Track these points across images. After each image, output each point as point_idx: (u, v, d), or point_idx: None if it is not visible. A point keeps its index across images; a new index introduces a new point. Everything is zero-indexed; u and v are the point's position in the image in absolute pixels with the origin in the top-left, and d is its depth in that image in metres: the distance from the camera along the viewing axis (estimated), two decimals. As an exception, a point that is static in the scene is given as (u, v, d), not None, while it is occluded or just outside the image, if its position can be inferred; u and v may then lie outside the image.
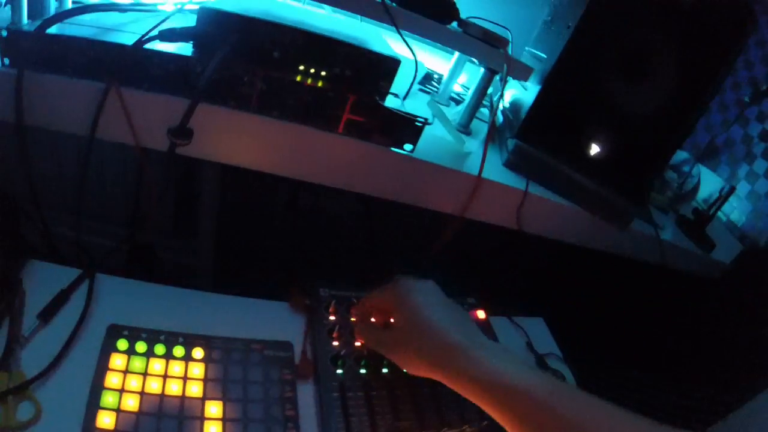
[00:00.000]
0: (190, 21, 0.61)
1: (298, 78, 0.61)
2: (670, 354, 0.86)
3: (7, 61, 0.54)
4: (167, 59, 0.57)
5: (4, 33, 0.53)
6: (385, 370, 0.64)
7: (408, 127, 0.62)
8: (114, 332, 0.60)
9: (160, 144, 0.60)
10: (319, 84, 0.61)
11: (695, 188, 0.98)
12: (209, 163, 0.75)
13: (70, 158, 0.68)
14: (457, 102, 0.81)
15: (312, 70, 0.61)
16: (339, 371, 0.62)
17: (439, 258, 0.66)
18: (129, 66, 0.56)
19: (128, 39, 0.58)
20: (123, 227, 0.79)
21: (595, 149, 0.71)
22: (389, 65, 0.62)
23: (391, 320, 0.63)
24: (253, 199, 0.83)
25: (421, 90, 0.80)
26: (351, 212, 0.85)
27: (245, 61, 0.58)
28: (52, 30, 0.58)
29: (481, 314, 0.72)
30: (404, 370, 0.63)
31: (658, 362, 0.83)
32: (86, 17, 0.62)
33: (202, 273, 0.86)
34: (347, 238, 0.86)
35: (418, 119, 0.62)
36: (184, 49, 0.61)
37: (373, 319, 0.66)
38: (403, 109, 0.63)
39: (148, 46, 0.57)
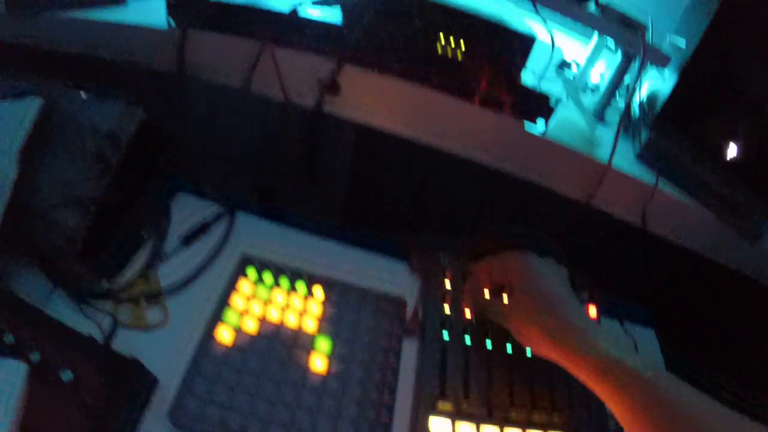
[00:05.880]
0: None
1: (439, 48, 0.64)
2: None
3: (173, 22, 0.62)
4: (318, 25, 0.62)
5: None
6: (489, 346, 0.64)
7: (541, 104, 0.63)
8: (246, 261, 0.66)
9: (304, 99, 0.65)
10: (458, 55, 0.64)
11: None
12: (345, 129, 0.80)
13: (222, 108, 0.75)
14: (594, 92, 0.80)
15: (452, 42, 0.63)
16: (445, 336, 0.63)
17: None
18: (283, 29, 0.62)
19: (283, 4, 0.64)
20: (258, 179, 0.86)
21: (732, 150, 0.67)
22: (525, 42, 0.63)
23: (504, 291, 0.64)
24: (384, 166, 0.86)
25: (558, 75, 0.80)
26: (477, 188, 0.85)
27: (390, 29, 0.62)
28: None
29: (592, 311, 0.69)
30: (509, 345, 0.63)
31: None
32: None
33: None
34: (469, 212, 0.87)
35: (553, 96, 0.63)
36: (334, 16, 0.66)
37: (486, 290, 0.66)
38: (537, 87, 0.64)
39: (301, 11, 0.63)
